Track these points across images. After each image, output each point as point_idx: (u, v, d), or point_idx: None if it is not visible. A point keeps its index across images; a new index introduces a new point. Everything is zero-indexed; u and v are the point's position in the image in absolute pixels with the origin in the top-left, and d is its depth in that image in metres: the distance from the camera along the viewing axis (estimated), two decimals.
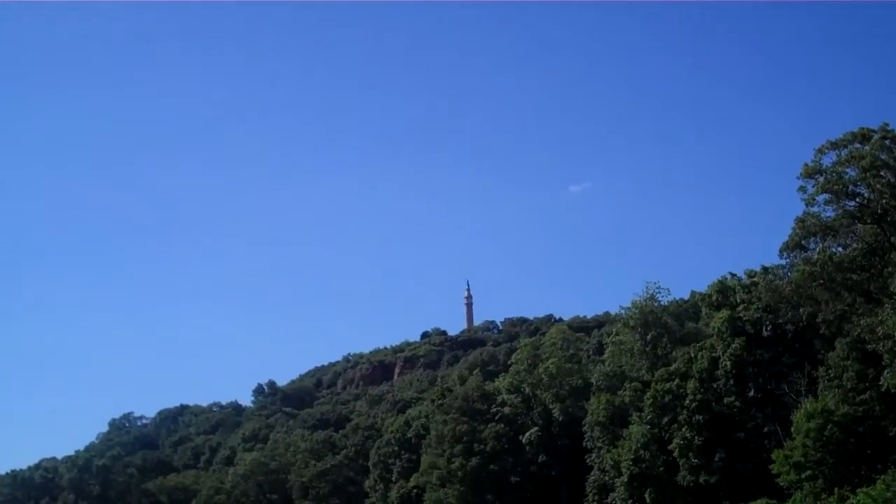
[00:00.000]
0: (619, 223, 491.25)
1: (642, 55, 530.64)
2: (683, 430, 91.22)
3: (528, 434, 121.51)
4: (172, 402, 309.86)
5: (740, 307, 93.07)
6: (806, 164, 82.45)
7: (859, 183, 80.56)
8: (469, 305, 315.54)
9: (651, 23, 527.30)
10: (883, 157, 79.16)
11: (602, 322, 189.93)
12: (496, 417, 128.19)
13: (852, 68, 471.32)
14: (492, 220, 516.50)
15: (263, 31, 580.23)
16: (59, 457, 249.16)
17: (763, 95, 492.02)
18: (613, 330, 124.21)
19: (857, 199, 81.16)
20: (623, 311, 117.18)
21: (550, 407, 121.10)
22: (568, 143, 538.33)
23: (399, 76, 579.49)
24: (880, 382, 72.39)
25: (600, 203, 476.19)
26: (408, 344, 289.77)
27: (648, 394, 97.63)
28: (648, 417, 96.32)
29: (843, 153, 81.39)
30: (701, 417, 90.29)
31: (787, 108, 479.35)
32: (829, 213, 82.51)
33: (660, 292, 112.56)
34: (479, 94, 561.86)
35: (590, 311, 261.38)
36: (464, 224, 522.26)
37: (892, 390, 71.06)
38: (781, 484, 78.74)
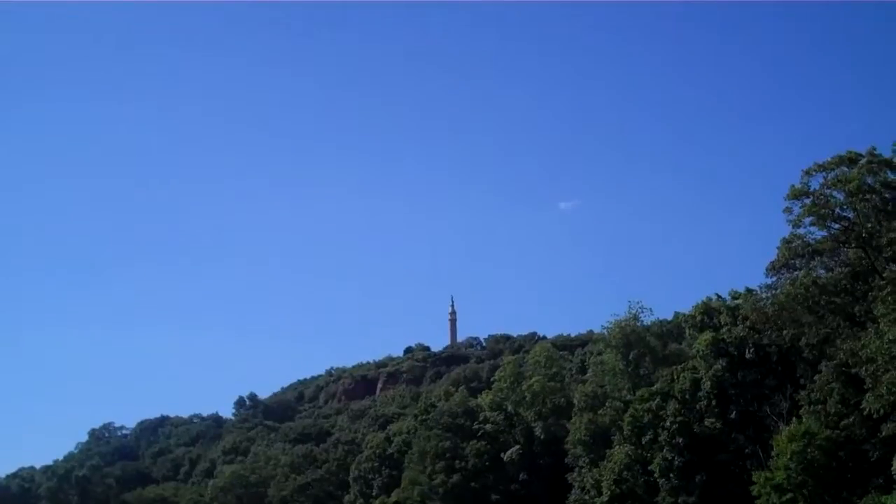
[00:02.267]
0: (605, 241, 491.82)
1: (633, 74, 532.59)
2: (664, 450, 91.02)
3: (509, 452, 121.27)
4: (153, 413, 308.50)
5: (724, 329, 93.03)
6: (793, 186, 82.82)
7: (846, 206, 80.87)
8: (453, 321, 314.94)
9: (642, 43, 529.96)
10: (870, 181, 79.54)
11: (586, 340, 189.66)
12: (478, 434, 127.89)
13: (843, 89, 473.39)
14: (478, 235, 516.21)
15: (255, 37, 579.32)
16: (38, 466, 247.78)
17: (752, 116, 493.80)
18: (596, 349, 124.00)
19: (843, 223, 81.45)
20: (605, 331, 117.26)
21: (532, 425, 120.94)
22: (559, 160, 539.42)
23: (387, 90, 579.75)
24: (862, 406, 72.27)
25: (588, 221, 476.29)
26: (391, 359, 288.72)
27: (627, 413, 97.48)
28: (628, 437, 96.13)
29: (830, 176, 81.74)
30: (682, 439, 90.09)
31: (777, 128, 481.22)
32: (816, 235, 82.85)
33: (643, 312, 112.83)
34: (469, 107, 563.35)
35: (574, 329, 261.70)
36: (449, 239, 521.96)
37: (874, 414, 70.96)
38: None
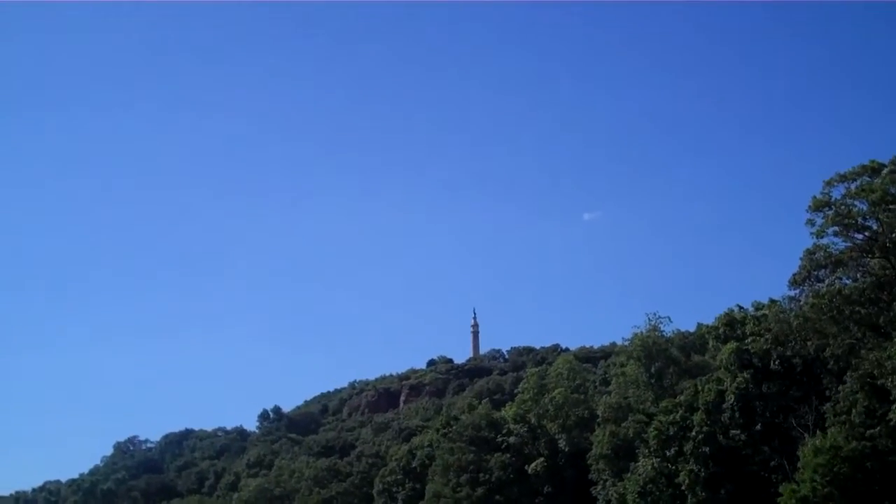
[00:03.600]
0: (629, 253, 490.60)
1: (658, 88, 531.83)
2: (690, 462, 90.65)
3: (533, 464, 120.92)
4: (178, 427, 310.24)
5: (748, 339, 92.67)
6: (815, 197, 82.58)
7: (868, 216, 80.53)
8: (475, 334, 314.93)
9: (666, 57, 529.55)
10: (893, 191, 79.17)
11: (609, 352, 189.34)
12: (502, 447, 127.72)
13: (865, 99, 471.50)
14: (501, 246, 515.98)
15: (266, 49, 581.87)
16: (63, 480, 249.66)
17: (774, 127, 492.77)
18: (618, 361, 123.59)
19: (867, 233, 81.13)
20: (626, 343, 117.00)
21: (556, 437, 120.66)
22: (585, 171, 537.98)
23: (413, 101, 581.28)
24: (888, 417, 71.88)
25: (611, 232, 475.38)
26: (414, 371, 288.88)
27: (653, 425, 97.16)
28: (653, 450, 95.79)
29: (852, 186, 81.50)
30: (707, 450, 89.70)
31: (799, 139, 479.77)
32: (839, 245, 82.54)
33: (661, 322, 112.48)
34: (495, 118, 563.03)
35: (596, 341, 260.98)
36: (472, 251, 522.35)
37: None
38: None
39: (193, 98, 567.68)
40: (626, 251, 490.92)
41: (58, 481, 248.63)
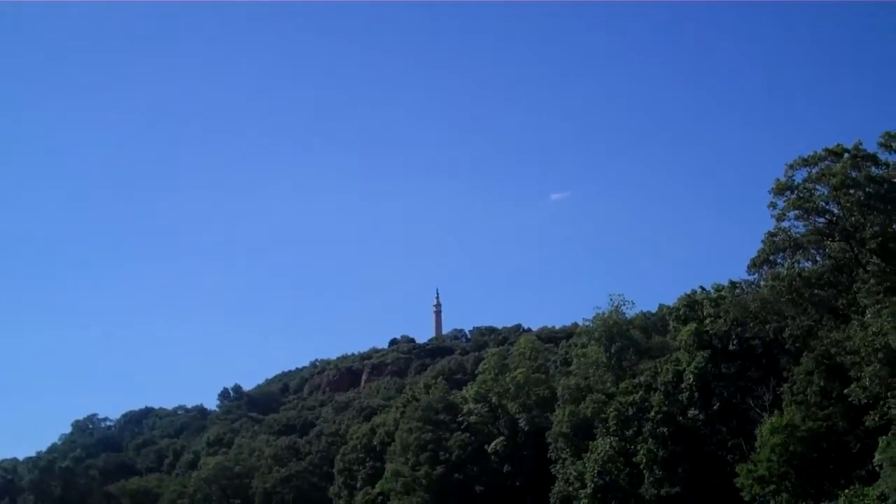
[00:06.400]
0: (596, 233, 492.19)
1: (624, 68, 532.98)
2: (648, 442, 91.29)
3: (493, 443, 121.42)
4: (137, 405, 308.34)
5: (707, 321, 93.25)
6: (777, 180, 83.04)
7: (830, 200, 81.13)
8: (438, 313, 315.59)
9: (631, 36, 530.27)
10: (854, 175, 79.76)
11: (571, 333, 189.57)
12: (462, 426, 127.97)
13: (831, 85, 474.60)
14: (467, 227, 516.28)
15: (242, 35, 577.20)
16: (21, 457, 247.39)
17: (741, 110, 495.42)
18: (579, 342, 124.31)
19: (827, 216, 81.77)
20: (587, 324, 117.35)
21: (516, 417, 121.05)
22: (555, 151, 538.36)
23: (375, 84, 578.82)
24: (845, 393, 72.49)
25: (577, 213, 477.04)
26: (375, 351, 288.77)
27: (612, 406, 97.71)
28: (612, 429, 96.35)
29: (814, 170, 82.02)
30: (665, 430, 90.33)
31: (766, 122, 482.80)
32: (800, 228, 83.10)
33: (625, 305, 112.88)
34: (461, 100, 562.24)
35: (559, 321, 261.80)
36: (437, 231, 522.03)
37: (859, 403, 71.28)
38: (745, 497, 78.83)
39: (180, 92, 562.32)
40: (594, 232, 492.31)
41: (14, 459, 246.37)
